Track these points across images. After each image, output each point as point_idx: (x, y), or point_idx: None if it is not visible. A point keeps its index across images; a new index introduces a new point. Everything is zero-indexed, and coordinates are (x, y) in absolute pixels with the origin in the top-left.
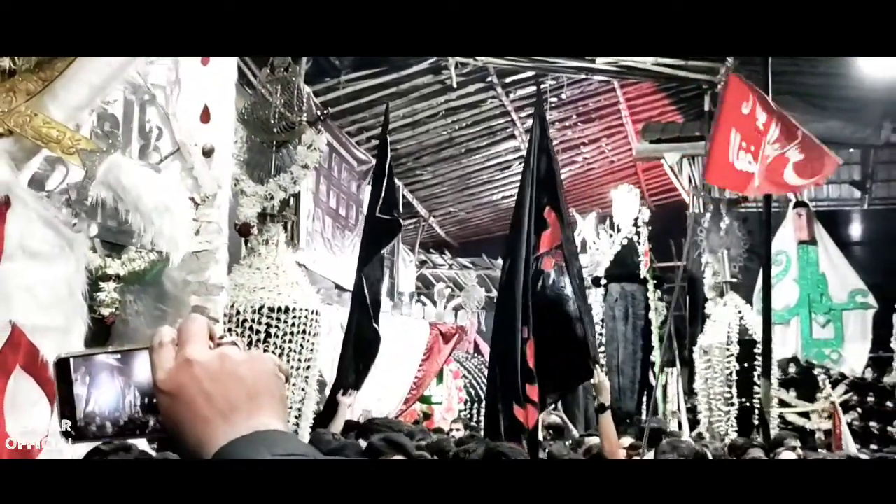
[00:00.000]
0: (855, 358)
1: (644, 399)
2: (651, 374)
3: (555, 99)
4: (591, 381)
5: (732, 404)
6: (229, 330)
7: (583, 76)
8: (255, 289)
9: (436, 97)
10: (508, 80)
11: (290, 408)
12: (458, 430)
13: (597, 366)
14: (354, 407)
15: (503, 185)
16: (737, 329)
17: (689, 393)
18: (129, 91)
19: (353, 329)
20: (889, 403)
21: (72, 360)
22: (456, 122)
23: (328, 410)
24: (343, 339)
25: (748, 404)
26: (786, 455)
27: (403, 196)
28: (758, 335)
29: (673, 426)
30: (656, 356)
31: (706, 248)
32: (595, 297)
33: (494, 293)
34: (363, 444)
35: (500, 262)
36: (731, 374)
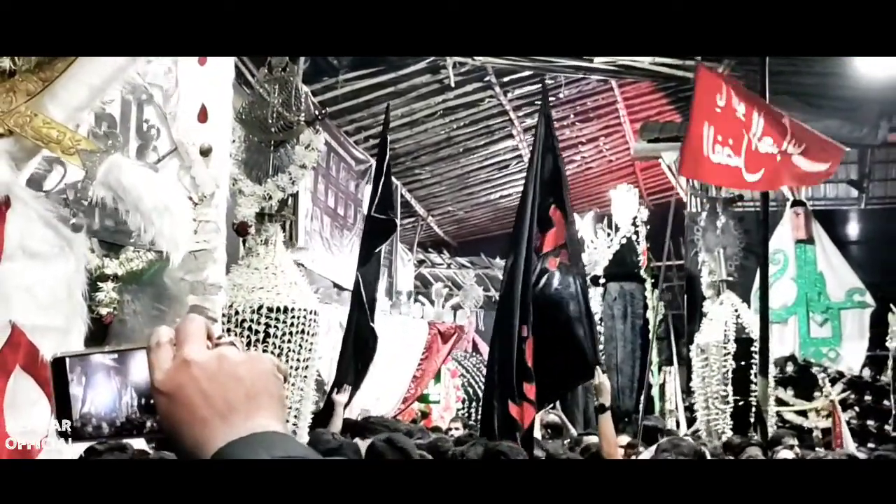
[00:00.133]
0: (852, 356)
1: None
2: (649, 372)
3: (553, 98)
4: (593, 381)
5: (729, 402)
6: (228, 330)
7: (581, 75)
8: (254, 289)
9: (434, 96)
10: (506, 79)
11: (290, 408)
12: (456, 429)
13: (598, 367)
14: (353, 406)
15: (501, 185)
16: (733, 327)
17: (687, 391)
18: (127, 91)
19: (352, 328)
20: (886, 402)
21: (67, 360)
22: (454, 122)
23: (326, 410)
24: (342, 337)
25: (745, 402)
26: (784, 453)
27: (402, 195)
28: (755, 333)
29: (670, 424)
30: (653, 355)
31: (702, 246)
32: (594, 296)
33: (492, 292)
34: (360, 442)
35: (498, 261)
36: (727, 372)
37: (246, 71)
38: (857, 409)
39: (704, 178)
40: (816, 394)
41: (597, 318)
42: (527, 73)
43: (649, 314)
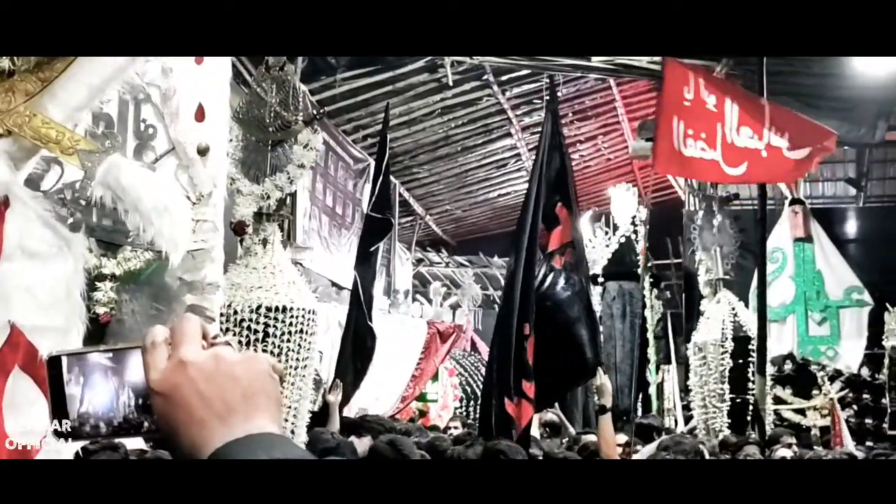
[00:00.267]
0: (851, 355)
1: (641, 396)
2: (647, 371)
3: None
4: (595, 382)
5: (726, 401)
6: (227, 329)
7: (579, 74)
8: (253, 288)
9: (432, 95)
10: (504, 77)
11: (289, 407)
12: (455, 427)
13: (600, 368)
14: (352, 405)
15: (499, 183)
16: (731, 326)
17: (686, 390)
18: (125, 90)
19: (351, 327)
20: (884, 400)
21: (64, 359)
22: (452, 121)
23: (322, 410)
24: (341, 336)
25: (742, 401)
26: (782, 452)
27: (400, 194)
28: (752, 332)
29: (669, 423)
30: (651, 354)
31: (699, 245)
32: (593, 295)
33: (491, 291)
34: (355, 440)
35: (496, 259)
36: (725, 370)
37: (244, 70)
38: (855, 407)
39: (680, 172)
40: (815, 392)
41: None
42: (525, 71)
43: (647, 313)
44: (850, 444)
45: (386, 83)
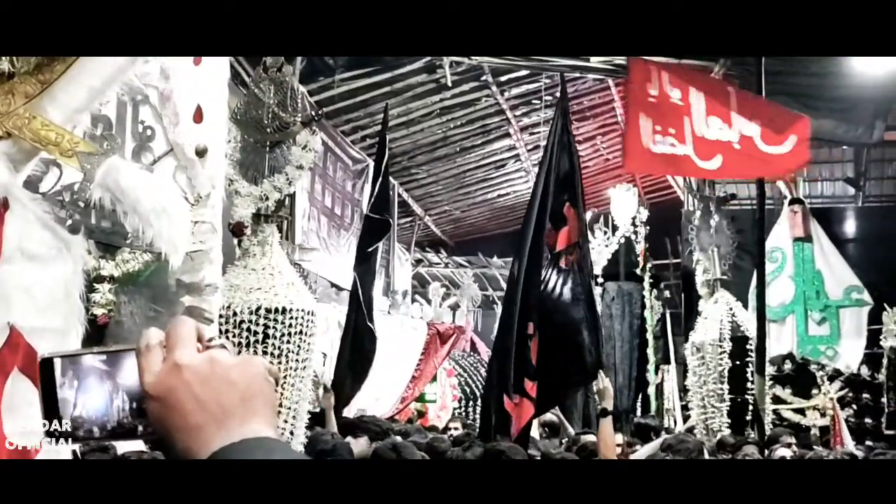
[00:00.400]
0: (850, 354)
1: (640, 396)
2: (647, 371)
3: (549, 97)
4: (597, 385)
5: (725, 401)
6: (226, 331)
7: (577, 74)
8: (252, 290)
9: (430, 96)
10: (503, 78)
11: (289, 408)
12: (456, 428)
13: (601, 370)
14: (352, 406)
15: (498, 184)
16: (729, 326)
17: (685, 390)
18: (123, 92)
19: (351, 328)
20: (884, 400)
21: (57, 361)
22: (451, 121)
23: (322, 411)
24: (341, 337)
25: (742, 401)
26: (781, 452)
27: (399, 195)
28: (750, 332)
29: (668, 423)
30: (650, 354)
31: (697, 245)
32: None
33: (490, 291)
34: (352, 441)
35: (495, 260)
36: (723, 370)
37: (242, 71)
38: (854, 406)
39: (650, 169)
40: (814, 392)
41: None
42: (524, 72)
43: (647, 313)
44: (849, 444)
45: (384, 84)
